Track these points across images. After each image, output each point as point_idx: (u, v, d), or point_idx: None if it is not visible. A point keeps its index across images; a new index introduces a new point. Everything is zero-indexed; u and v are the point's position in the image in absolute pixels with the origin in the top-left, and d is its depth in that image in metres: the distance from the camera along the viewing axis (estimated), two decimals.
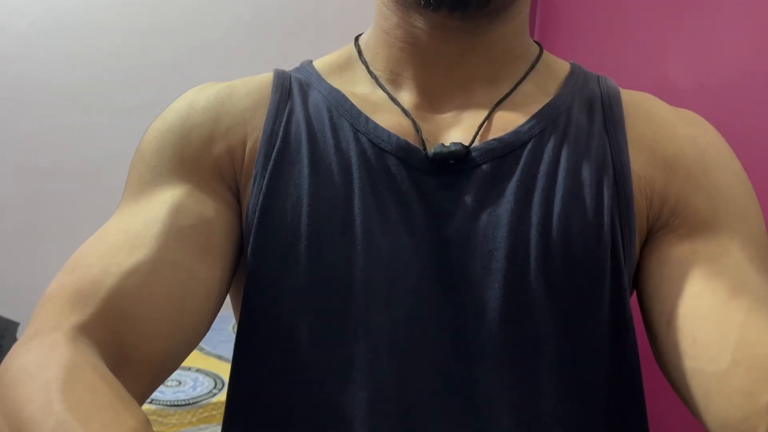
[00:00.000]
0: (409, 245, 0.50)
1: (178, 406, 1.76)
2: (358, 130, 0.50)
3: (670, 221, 0.52)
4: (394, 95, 0.54)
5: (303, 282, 0.50)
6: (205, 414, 1.79)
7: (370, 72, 0.56)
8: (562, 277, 0.50)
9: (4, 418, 0.36)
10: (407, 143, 0.51)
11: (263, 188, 0.50)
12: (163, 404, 1.75)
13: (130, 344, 0.44)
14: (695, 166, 0.53)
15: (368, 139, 0.50)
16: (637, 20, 2.75)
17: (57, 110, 2.43)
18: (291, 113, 0.52)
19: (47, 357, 0.39)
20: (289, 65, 2.35)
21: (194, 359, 2.11)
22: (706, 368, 0.43)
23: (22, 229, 2.42)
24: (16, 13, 2.34)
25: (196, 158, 0.52)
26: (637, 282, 0.55)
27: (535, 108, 0.53)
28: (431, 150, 0.50)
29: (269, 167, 0.50)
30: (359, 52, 0.58)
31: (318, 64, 0.61)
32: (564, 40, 3.16)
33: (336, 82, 0.56)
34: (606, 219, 0.50)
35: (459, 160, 0.50)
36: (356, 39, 0.60)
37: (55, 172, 2.45)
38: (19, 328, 2.19)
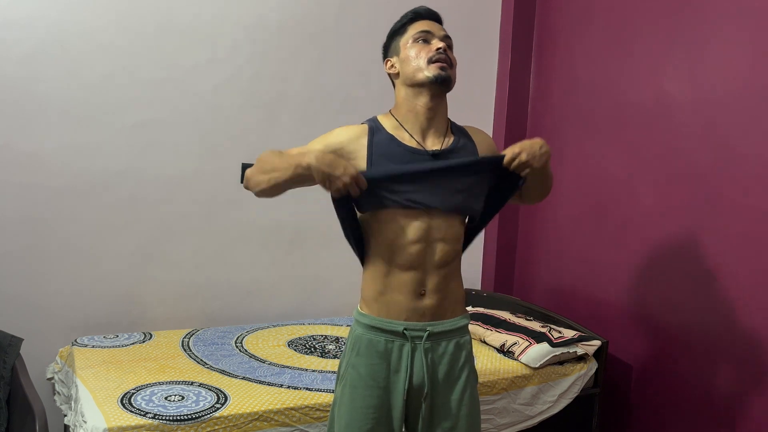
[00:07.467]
0: (420, 182, 1.51)
1: (180, 420, 1.75)
2: (399, 145, 1.54)
3: None
4: (411, 132, 1.56)
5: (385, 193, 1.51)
6: (208, 429, 1.78)
7: (400, 123, 1.57)
8: (464, 193, 1.56)
9: (258, 170, 1.53)
10: (416, 148, 1.55)
11: (372, 161, 1.51)
12: (165, 419, 1.74)
13: None
14: (487, 150, 1.65)
15: (403, 148, 1.54)
16: (634, 38, 2.77)
17: (59, 129, 2.45)
18: (376, 140, 1.54)
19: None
20: (286, 87, 2.50)
21: (197, 374, 2.11)
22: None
23: (25, 247, 2.44)
24: (20, 34, 2.37)
25: (335, 151, 1.51)
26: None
27: (451, 138, 1.60)
28: (430, 151, 1.55)
29: (372, 157, 1.52)
30: (394, 115, 1.59)
31: (380, 118, 1.59)
32: (561, 59, 3.18)
33: (386, 126, 1.57)
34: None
35: (436, 154, 1.54)
36: (391, 110, 1.61)
37: (57, 190, 2.47)
38: (23, 344, 2.19)
